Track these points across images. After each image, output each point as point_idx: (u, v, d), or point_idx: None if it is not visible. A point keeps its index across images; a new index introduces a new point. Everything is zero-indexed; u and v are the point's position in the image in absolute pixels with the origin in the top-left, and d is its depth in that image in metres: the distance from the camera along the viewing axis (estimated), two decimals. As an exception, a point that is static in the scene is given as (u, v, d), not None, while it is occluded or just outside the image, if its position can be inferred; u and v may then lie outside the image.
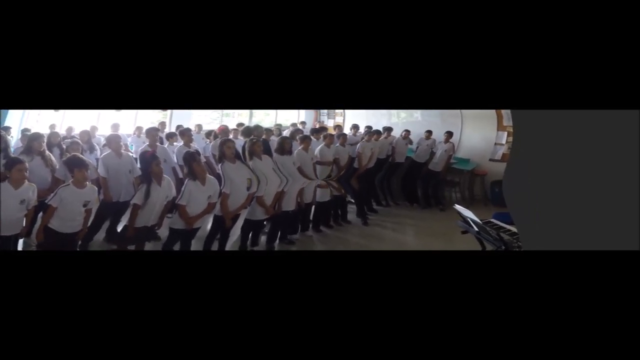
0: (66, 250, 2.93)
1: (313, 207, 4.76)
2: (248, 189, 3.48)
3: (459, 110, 6.70)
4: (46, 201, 2.95)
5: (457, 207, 3.10)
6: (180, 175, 4.20)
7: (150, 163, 3.08)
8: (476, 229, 2.95)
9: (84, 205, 2.96)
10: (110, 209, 3.76)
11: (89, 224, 3.18)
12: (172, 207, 3.32)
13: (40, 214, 3.12)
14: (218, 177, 3.57)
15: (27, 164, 2.95)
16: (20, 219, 2.94)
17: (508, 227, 2.88)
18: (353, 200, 5.70)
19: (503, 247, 2.60)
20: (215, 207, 3.43)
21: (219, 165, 3.55)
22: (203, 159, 4.13)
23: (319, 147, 4.73)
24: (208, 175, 3.28)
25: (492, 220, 3.13)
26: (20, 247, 3.31)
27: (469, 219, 2.94)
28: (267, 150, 4.22)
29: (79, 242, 3.14)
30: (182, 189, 3.18)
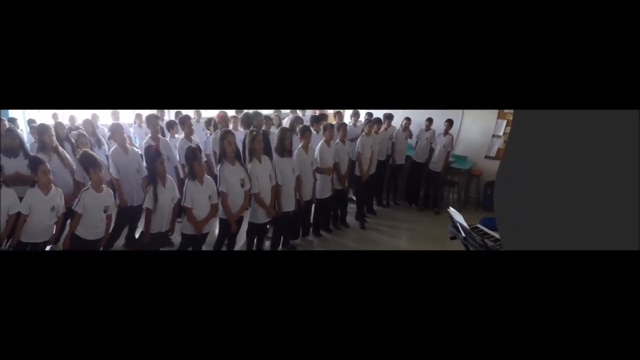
0: (82, 250, 2.96)
1: (313, 205, 4.79)
2: (242, 186, 3.56)
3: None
4: (72, 207, 2.99)
5: (451, 210, 3.13)
6: (182, 175, 4.29)
7: (154, 161, 3.17)
8: (463, 234, 2.97)
9: (105, 211, 3.01)
10: (126, 214, 3.83)
11: (110, 230, 3.26)
12: (180, 211, 3.42)
13: (69, 221, 3.18)
14: (215, 177, 3.67)
15: (48, 165, 2.98)
16: (51, 226, 2.97)
17: (492, 233, 2.91)
18: (354, 198, 5.70)
19: None
20: (219, 210, 3.52)
21: (218, 166, 3.64)
22: (204, 157, 4.21)
23: (319, 145, 4.74)
24: (205, 175, 3.39)
25: (479, 225, 3.15)
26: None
27: (458, 224, 2.96)
28: (267, 145, 4.26)
29: (101, 249, 3.22)
30: (184, 190, 3.29)
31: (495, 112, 6.52)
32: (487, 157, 6.60)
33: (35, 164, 2.96)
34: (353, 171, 5.46)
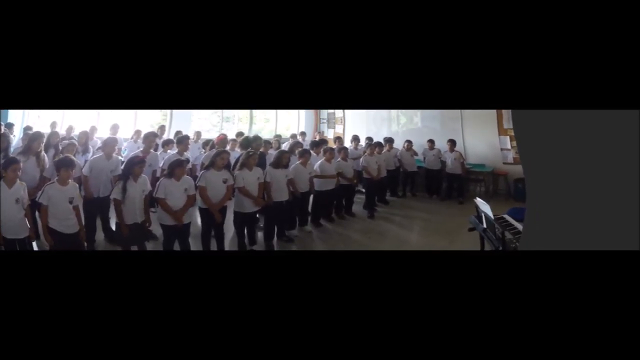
0: (71, 250, 3.00)
1: (312, 196, 4.56)
2: (224, 182, 3.49)
3: (458, 112, 6.67)
4: (36, 199, 3.04)
5: (477, 200, 3.09)
6: (158, 175, 4.22)
7: (134, 165, 3.19)
8: (484, 226, 2.93)
9: (70, 202, 3.04)
10: (93, 205, 3.82)
11: (83, 223, 3.27)
12: (152, 201, 3.39)
13: (37, 213, 3.21)
14: (195, 178, 3.62)
15: (21, 164, 3.03)
16: (22, 220, 3.01)
17: (516, 224, 2.86)
18: (364, 190, 5.51)
19: (500, 248, 2.59)
20: (198, 201, 3.45)
21: (202, 171, 3.58)
22: (190, 166, 4.14)
23: (319, 162, 4.64)
24: (185, 175, 3.34)
25: (504, 216, 3.10)
26: (35, 249, 3.43)
27: (483, 214, 2.93)
28: (262, 164, 4.17)
29: (85, 244, 3.23)
30: (157, 184, 3.26)
31: (494, 130, 6.42)
32: (505, 163, 6.50)
33: (8, 163, 3.03)
34: (361, 173, 5.32)
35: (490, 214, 2.81)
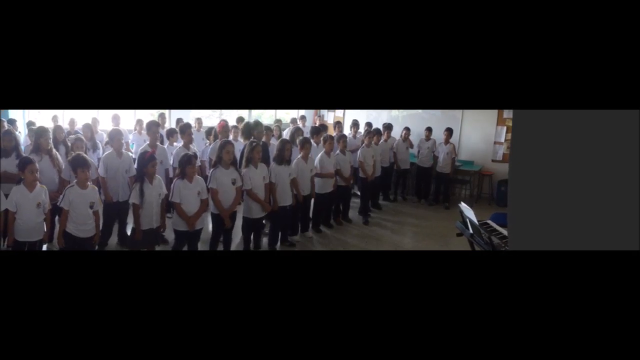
0: (80, 251, 2.99)
1: (312, 200, 4.71)
2: (233, 184, 3.56)
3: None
4: (57, 204, 3.02)
5: (462, 205, 3.10)
6: (171, 175, 4.28)
7: (146, 164, 3.20)
8: (471, 231, 2.95)
9: (91, 207, 3.03)
10: (112, 209, 3.84)
11: (100, 228, 3.29)
12: (169, 206, 3.42)
13: (57, 217, 3.21)
14: (206, 178, 3.67)
15: (37, 165, 3.01)
16: (40, 224, 3.00)
17: (500, 229, 2.89)
18: (359, 193, 5.64)
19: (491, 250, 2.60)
20: (210, 205, 3.51)
21: (211, 170, 3.64)
22: (199, 163, 4.21)
23: (319, 156, 4.72)
24: (196, 175, 3.39)
25: (488, 221, 3.13)
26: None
27: (467, 219, 2.95)
28: (266, 155, 4.24)
29: (96, 247, 3.25)
30: (172, 187, 3.30)
31: (494, 118, 6.55)
32: (494, 160, 6.62)
33: (24, 163, 3.00)
34: (357, 173, 5.45)
35: (475, 219, 2.84)
